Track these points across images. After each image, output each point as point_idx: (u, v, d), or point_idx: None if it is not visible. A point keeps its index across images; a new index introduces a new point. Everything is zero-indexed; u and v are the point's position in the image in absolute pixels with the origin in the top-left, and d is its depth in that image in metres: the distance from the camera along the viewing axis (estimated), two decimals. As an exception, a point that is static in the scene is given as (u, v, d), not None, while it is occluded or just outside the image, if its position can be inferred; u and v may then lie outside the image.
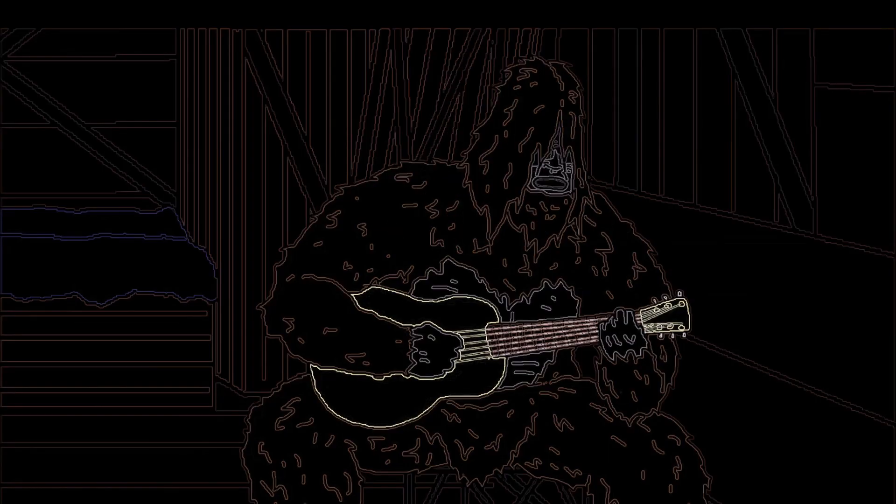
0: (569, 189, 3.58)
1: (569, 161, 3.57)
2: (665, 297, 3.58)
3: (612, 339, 3.55)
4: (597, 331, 3.57)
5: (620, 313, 3.55)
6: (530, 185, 3.56)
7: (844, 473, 3.98)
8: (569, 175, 3.57)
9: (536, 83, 3.58)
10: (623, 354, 3.55)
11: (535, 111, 3.56)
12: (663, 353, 3.63)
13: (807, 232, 4.22)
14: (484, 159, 3.59)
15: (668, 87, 5.03)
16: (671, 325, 3.57)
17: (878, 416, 3.85)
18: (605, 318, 3.57)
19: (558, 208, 3.57)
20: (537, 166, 3.56)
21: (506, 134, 3.57)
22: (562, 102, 3.57)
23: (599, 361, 3.61)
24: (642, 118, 5.25)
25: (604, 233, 3.67)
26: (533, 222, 3.58)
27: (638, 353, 3.55)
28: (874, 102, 3.92)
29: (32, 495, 5.11)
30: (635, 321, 3.55)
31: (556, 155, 3.56)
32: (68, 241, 5.99)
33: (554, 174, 3.56)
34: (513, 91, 3.59)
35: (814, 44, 4.19)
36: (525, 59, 3.64)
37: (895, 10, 4.08)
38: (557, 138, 3.56)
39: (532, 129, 3.55)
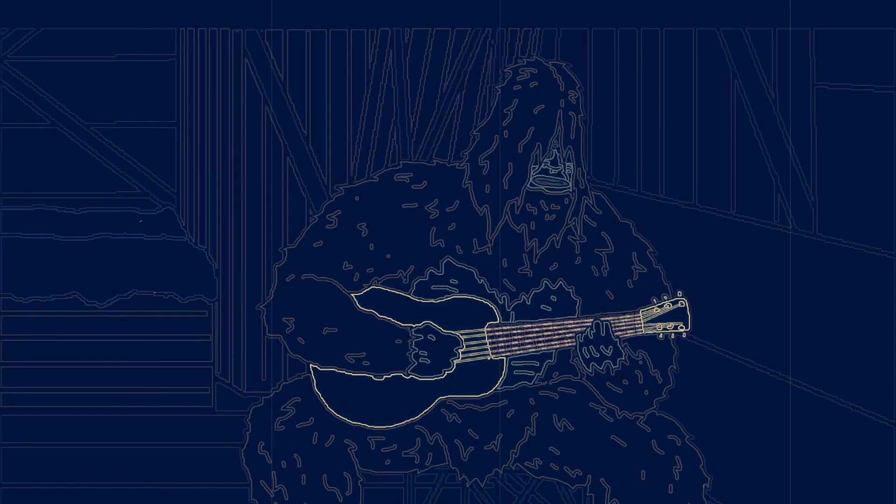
0: (569, 189, 3.58)
1: (569, 161, 3.57)
2: (665, 297, 3.58)
3: (588, 351, 3.55)
4: (596, 331, 3.57)
5: (598, 324, 3.55)
6: (530, 185, 3.56)
7: (844, 473, 3.98)
8: (569, 175, 3.57)
9: (536, 83, 3.58)
10: (600, 366, 3.55)
11: (535, 111, 3.56)
12: (665, 356, 3.63)
13: (807, 232, 4.22)
14: (484, 159, 3.59)
15: (668, 87, 5.03)
16: (671, 325, 3.57)
17: (878, 416, 3.85)
18: (583, 330, 3.56)
19: (558, 208, 3.57)
20: (537, 166, 3.56)
21: (506, 134, 3.57)
22: (562, 102, 3.57)
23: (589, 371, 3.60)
24: (642, 118, 5.24)
25: (604, 233, 3.66)
26: (533, 222, 3.57)
27: (615, 364, 3.55)
28: (874, 102, 3.92)
29: (32, 495, 5.10)
30: (612, 333, 3.54)
31: (556, 155, 3.56)
32: (68, 241, 5.99)
33: (554, 174, 3.56)
34: (513, 91, 3.59)
35: (814, 44, 4.19)
36: (525, 59, 3.64)
37: (895, 10, 4.08)
38: (557, 138, 3.56)
39: (532, 129, 3.55)
